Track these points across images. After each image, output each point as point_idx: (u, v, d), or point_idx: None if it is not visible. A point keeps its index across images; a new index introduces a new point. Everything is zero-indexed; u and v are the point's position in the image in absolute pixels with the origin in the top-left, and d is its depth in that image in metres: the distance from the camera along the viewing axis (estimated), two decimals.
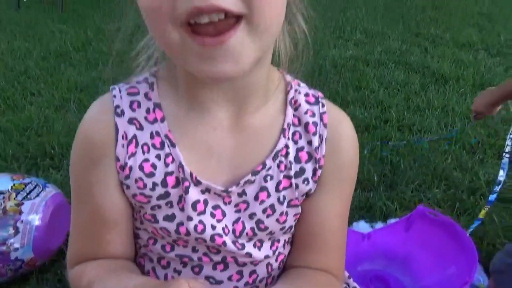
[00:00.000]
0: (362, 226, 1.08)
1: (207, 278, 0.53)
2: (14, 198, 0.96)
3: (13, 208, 0.94)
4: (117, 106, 0.48)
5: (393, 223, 1.04)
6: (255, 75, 0.47)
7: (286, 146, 0.50)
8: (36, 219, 0.96)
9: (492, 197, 1.10)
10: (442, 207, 1.23)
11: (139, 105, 0.49)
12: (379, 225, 1.09)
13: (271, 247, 0.53)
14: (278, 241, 0.54)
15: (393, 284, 0.98)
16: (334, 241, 0.55)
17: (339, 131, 0.52)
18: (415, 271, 0.98)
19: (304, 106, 0.51)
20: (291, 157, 0.50)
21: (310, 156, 0.50)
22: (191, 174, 0.47)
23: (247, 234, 0.50)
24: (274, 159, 0.49)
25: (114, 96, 0.49)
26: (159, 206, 0.49)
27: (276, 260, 0.55)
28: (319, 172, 0.51)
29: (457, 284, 0.83)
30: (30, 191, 1.00)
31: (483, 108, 1.12)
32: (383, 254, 1.01)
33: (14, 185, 1.00)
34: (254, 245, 0.52)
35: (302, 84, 0.54)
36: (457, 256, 0.91)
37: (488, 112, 1.13)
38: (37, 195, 1.00)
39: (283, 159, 0.49)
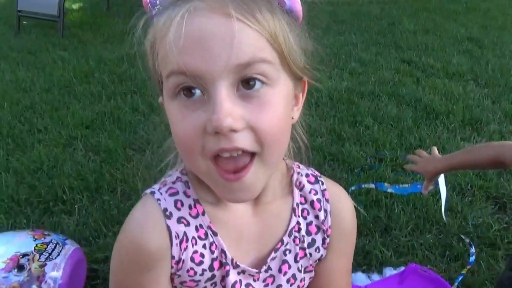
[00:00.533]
0: (360, 278, 1.16)
1: None
2: (38, 260, 1.04)
3: (37, 270, 1.02)
4: (165, 209, 0.54)
5: (388, 277, 1.12)
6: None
7: (298, 223, 0.59)
8: (58, 278, 1.04)
9: (472, 259, 1.20)
10: (434, 253, 1.32)
11: (182, 204, 0.56)
12: (375, 276, 1.17)
13: None
14: None
15: None
16: None
17: (340, 204, 0.62)
18: None
19: (308, 186, 0.61)
20: (303, 231, 0.60)
21: (319, 228, 0.60)
22: (232, 260, 0.56)
23: None
24: (289, 235, 0.59)
25: (159, 199, 0.55)
26: None
27: None
28: (327, 240, 0.61)
29: None
30: (52, 251, 1.07)
31: (426, 174, 1.07)
32: None
33: (36, 245, 1.07)
34: None
35: (301, 166, 0.64)
36: None
37: (429, 180, 1.07)
38: (58, 254, 1.08)
39: (296, 234, 0.59)
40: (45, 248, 1.07)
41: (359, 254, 1.31)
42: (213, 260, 0.56)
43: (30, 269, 1.02)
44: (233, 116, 0.44)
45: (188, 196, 0.56)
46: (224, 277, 0.56)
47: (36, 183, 1.68)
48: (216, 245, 0.56)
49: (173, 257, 0.54)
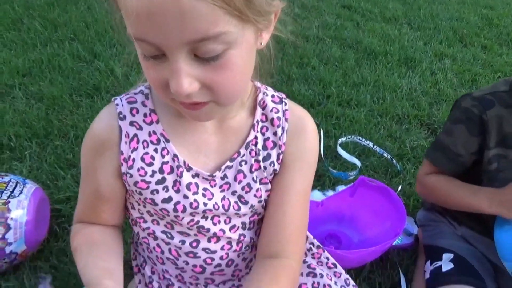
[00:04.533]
0: (316, 195, 1.28)
1: (204, 249, 0.68)
2: (0, 198, 1.01)
3: (1, 207, 1.00)
4: (120, 112, 0.61)
5: (341, 191, 1.24)
6: None
7: (256, 138, 0.65)
8: (24, 215, 1.02)
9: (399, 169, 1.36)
10: (377, 172, 1.47)
11: (137, 111, 0.62)
12: (329, 192, 1.29)
13: (250, 224, 0.69)
14: (258, 214, 0.69)
15: (343, 239, 1.20)
16: (295, 219, 0.67)
17: (300, 125, 0.66)
18: (360, 228, 1.21)
19: (270, 105, 0.66)
20: (259, 145, 0.65)
21: (275, 144, 0.65)
22: (184, 162, 0.62)
23: (233, 207, 0.65)
24: (246, 148, 0.64)
25: (117, 104, 0.61)
26: (157, 191, 0.62)
27: (256, 234, 0.71)
28: (281, 156, 0.66)
29: (391, 235, 1.06)
30: (13, 189, 1.05)
31: None
32: (334, 217, 1.23)
33: None
34: (234, 227, 0.68)
35: (269, 88, 0.69)
36: (391, 213, 1.14)
37: None
38: (20, 192, 1.05)
39: (253, 147, 0.65)
40: (5, 187, 1.05)
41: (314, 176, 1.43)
42: (163, 163, 0.61)
43: None
44: (190, 82, 0.48)
45: (145, 106, 0.62)
46: (176, 182, 0.62)
47: None
48: (168, 151, 0.61)
49: (121, 153, 0.61)
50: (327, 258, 0.87)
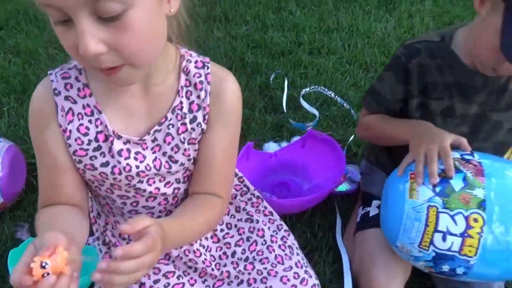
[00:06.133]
0: (271, 146, 1.37)
1: (144, 207, 0.79)
2: None
3: None
4: (55, 89, 0.68)
5: (292, 143, 1.33)
6: (155, 64, 0.67)
7: (181, 103, 0.71)
8: None
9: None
10: (336, 122, 1.55)
11: (71, 86, 0.69)
12: (284, 144, 1.39)
13: (184, 179, 0.78)
14: (189, 170, 0.78)
15: (292, 186, 1.31)
16: (221, 170, 0.76)
17: (222, 86, 0.72)
18: (309, 176, 1.32)
19: (193, 71, 0.72)
20: (185, 109, 0.72)
21: (199, 107, 0.72)
22: (113, 131, 0.69)
23: (164, 167, 0.74)
24: (173, 112, 0.71)
25: (52, 80, 0.68)
26: (95, 157, 0.70)
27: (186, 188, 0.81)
28: (207, 117, 0.73)
29: (333, 181, 1.17)
30: None
31: None
32: (286, 166, 1.33)
33: None
34: (168, 183, 0.77)
35: (194, 54, 0.74)
36: (335, 163, 1.24)
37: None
38: None
39: (179, 112, 0.71)
40: None
41: (274, 129, 1.51)
42: (97, 132, 0.69)
43: None
44: (95, 43, 0.52)
45: (79, 81, 0.68)
46: (110, 148, 0.70)
47: None
48: (101, 121, 0.69)
49: (60, 125, 0.68)
50: (265, 207, 0.99)
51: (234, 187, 0.95)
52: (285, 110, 1.56)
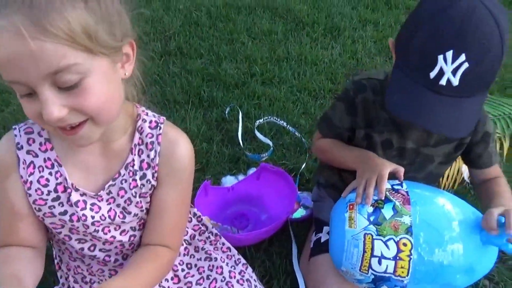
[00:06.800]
0: (229, 180, 1.45)
1: (101, 250, 0.84)
2: None
3: None
4: (18, 143, 0.73)
5: (248, 175, 1.42)
6: (113, 123, 0.73)
7: (133, 160, 0.78)
8: None
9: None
10: (289, 150, 1.65)
11: (33, 141, 0.74)
12: (241, 176, 1.47)
13: (139, 226, 0.84)
14: (144, 219, 0.83)
15: (251, 216, 1.39)
16: (172, 223, 0.81)
17: (173, 148, 0.77)
18: (265, 206, 1.40)
19: (147, 131, 0.78)
20: (136, 166, 0.78)
21: (149, 165, 0.78)
22: (72, 184, 0.75)
23: (119, 217, 0.79)
24: (126, 168, 0.77)
25: (15, 135, 0.73)
26: (54, 206, 0.75)
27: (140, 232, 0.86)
28: (156, 175, 0.77)
29: (286, 212, 1.26)
30: None
31: None
32: (244, 198, 1.41)
33: None
34: (124, 231, 0.82)
35: (150, 113, 0.81)
36: (288, 193, 1.33)
37: None
38: None
39: (131, 168, 0.78)
40: None
41: (231, 161, 1.59)
42: (57, 184, 0.75)
43: None
44: (58, 109, 0.58)
45: (41, 136, 0.74)
46: (68, 199, 0.75)
47: None
48: (61, 174, 0.75)
49: (21, 177, 0.74)
50: (223, 243, 1.05)
51: (192, 227, 1.02)
52: (241, 143, 1.64)
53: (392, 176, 0.96)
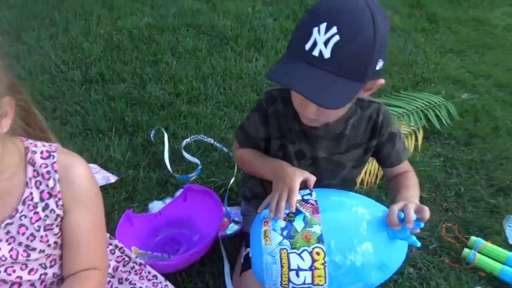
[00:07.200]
0: (156, 205, 1.42)
1: None
2: None
3: None
4: None
5: (174, 198, 1.40)
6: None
7: (31, 193, 0.75)
8: None
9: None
10: (218, 166, 1.65)
11: None
12: (168, 200, 1.44)
13: (50, 263, 0.80)
14: (54, 254, 0.80)
15: (182, 240, 1.37)
16: (91, 247, 0.80)
17: (70, 172, 0.77)
18: (196, 226, 1.39)
19: (39, 161, 0.76)
20: (36, 199, 0.75)
21: (51, 195, 0.76)
22: None
23: (22, 256, 0.76)
24: (23, 204, 0.75)
25: None
26: None
27: (59, 268, 0.82)
28: (60, 202, 0.77)
29: (213, 230, 1.25)
30: None
31: None
32: (173, 222, 1.38)
33: None
34: (32, 270, 0.78)
35: (38, 144, 0.79)
36: (215, 211, 1.33)
37: None
38: None
39: (30, 202, 0.75)
40: None
41: (159, 185, 1.56)
42: None
43: None
44: None
45: None
46: None
47: None
48: None
49: None
50: (149, 272, 1.03)
51: (115, 259, 0.99)
52: (168, 165, 1.62)
53: (305, 185, 0.99)
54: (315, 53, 0.78)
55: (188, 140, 1.74)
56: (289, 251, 0.91)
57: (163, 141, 1.72)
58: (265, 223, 0.97)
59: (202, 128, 1.82)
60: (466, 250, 1.38)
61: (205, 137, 1.75)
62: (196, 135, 1.76)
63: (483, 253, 1.37)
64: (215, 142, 1.73)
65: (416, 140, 1.83)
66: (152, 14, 2.79)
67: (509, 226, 1.47)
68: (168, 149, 1.68)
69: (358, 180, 1.61)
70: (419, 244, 0.92)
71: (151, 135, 1.76)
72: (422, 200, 1.52)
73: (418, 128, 1.89)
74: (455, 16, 3.06)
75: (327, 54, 0.78)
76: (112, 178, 1.54)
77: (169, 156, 1.67)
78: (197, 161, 1.63)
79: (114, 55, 2.31)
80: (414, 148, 1.80)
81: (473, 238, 1.42)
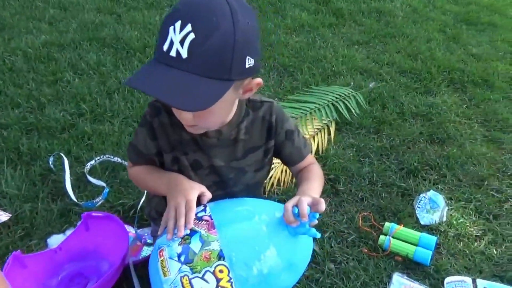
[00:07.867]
0: (55, 239, 1.29)
1: None
2: None
3: None
4: None
5: (75, 230, 1.28)
6: None
7: None
8: None
9: None
10: (129, 186, 1.54)
11: None
12: (69, 231, 1.31)
13: None
14: None
15: (89, 273, 1.25)
16: None
17: None
18: (103, 256, 1.27)
19: None
20: None
21: None
22: None
23: None
24: None
25: None
26: None
27: None
28: None
29: (119, 258, 1.15)
30: None
31: None
32: (77, 255, 1.26)
33: None
34: None
35: None
36: (122, 235, 1.22)
37: None
38: None
39: None
40: None
41: (62, 216, 1.42)
42: None
43: None
44: None
45: None
46: None
47: None
48: None
49: None
50: None
51: None
52: (70, 193, 1.48)
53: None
54: (173, 53, 0.73)
55: (92, 162, 1.61)
56: (190, 277, 0.84)
57: (64, 167, 1.57)
58: (161, 253, 0.90)
59: (109, 148, 1.70)
60: (382, 237, 1.40)
61: (112, 157, 1.63)
62: (102, 156, 1.64)
63: (397, 237, 1.41)
64: (123, 161, 1.62)
65: (329, 133, 1.86)
66: (50, 31, 2.59)
67: (419, 207, 1.53)
68: (69, 175, 1.54)
69: (274, 181, 1.59)
70: (319, 235, 0.90)
71: (50, 162, 1.60)
72: (338, 192, 1.53)
73: (331, 121, 1.93)
74: (359, 9, 3.20)
75: (184, 53, 0.73)
76: (4, 217, 1.37)
77: (72, 183, 1.53)
78: (103, 183, 1.51)
79: (6, 78, 2.10)
80: (328, 142, 1.82)
81: (387, 224, 1.45)
